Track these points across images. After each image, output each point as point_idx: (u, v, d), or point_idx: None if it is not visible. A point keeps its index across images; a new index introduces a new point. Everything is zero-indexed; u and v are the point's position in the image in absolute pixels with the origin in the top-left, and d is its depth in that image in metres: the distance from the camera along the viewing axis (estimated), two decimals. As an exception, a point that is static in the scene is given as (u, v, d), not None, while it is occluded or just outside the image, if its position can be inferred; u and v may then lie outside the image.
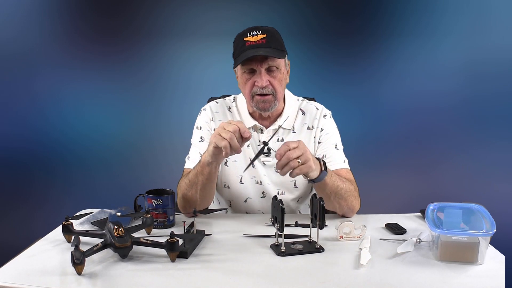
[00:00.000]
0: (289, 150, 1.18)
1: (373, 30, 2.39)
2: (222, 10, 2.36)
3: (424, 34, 2.38)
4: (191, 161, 1.51)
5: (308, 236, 1.19)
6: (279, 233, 1.12)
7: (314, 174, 1.25)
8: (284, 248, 1.11)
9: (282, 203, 1.08)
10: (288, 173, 1.20)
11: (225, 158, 1.51)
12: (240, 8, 2.38)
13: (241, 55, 1.38)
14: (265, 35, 1.39)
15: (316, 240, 1.16)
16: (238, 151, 1.21)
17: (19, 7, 2.39)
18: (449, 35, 2.37)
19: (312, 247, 1.14)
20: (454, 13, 2.35)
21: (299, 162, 1.18)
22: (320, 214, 1.12)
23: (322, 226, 1.12)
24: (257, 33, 1.39)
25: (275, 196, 1.15)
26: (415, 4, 2.36)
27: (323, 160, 1.30)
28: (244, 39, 1.40)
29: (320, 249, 1.13)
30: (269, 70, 1.41)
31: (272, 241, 1.18)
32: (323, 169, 1.28)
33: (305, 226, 1.28)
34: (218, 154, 1.25)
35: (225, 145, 1.18)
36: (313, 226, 1.17)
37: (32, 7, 2.41)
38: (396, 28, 2.38)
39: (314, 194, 1.18)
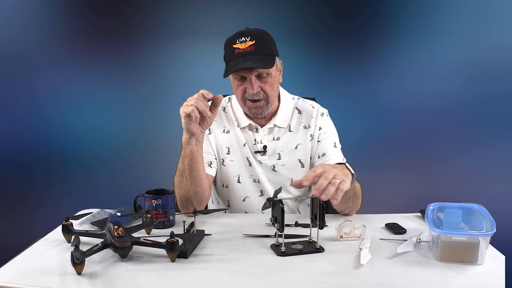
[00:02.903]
0: (319, 173, 1.09)
1: (373, 30, 2.39)
2: (222, 10, 2.36)
3: (424, 34, 2.38)
4: None
5: (308, 236, 1.20)
6: (279, 233, 1.12)
7: (349, 184, 1.15)
8: (284, 248, 1.11)
9: (282, 203, 1.08)
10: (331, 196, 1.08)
11: (222, 158, 1.53)
12: (240, 8, 2.38)
13: (231, 64, 1.39)
14: (254, 41, 1.38)
15: (316, 240, 1.16)
16: (207, 113, 1.28)
17: (19, 7, 2.39)
18: (449, 35, 2.37)
19: (312, 247, 1.14)
20: (454, 13, 2.35)
21: (337, 181, 1.09)
22: (320, 214, 1.12)
23: (322, 226, 1.12)
24: (246, 40, 1.38)
25: (275, 196, 1.15)
26: (415, 4, 2.36)
27: (346, 164, 1.24)
28: (233, 46, 1.39)
29: (320, 249, 1.13)
30: (259, 76, 1.41)
31: (272, 241, 1.18)
32: (352, 172, 1.20)
33: (305, 226, 1.28)
34: (190, 124, 1.29)
35: (192, 109, 1.24)
36: (313, 226, 1.17)
37: (32, 7, 2.41)
38: (396, 28, 2.38)
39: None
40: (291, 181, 1.52)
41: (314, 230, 1.16)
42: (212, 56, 2.34)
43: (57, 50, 2.43)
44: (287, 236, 1.20)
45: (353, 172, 1.20)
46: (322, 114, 1.56)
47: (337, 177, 1.09)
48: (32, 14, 2.41)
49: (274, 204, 1.11)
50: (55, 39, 2.43)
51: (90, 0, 2.40)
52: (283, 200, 1.10)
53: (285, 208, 1.08)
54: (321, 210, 1.11)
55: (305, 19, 2.39)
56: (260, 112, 1.46)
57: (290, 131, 1.54)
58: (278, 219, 1.10)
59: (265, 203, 1.14)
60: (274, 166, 1.52)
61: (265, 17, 2.35)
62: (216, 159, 1.54)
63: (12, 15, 2.39)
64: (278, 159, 1.52)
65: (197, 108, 1.25)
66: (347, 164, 1.23)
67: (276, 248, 1.13)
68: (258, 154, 1.52)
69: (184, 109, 1.27)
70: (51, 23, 2.42)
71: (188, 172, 1.36)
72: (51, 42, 2.43)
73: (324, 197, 1.06)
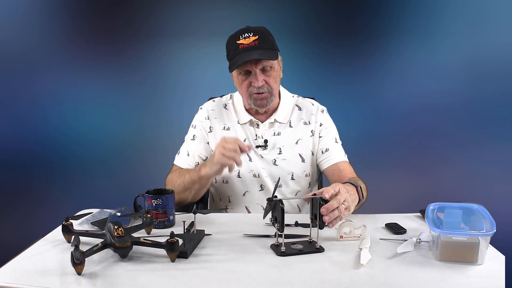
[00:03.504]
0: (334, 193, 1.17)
1: (373, 30, 2.39)
2: (222, 10, 2.36)
3: (424, 34, 2.38)
4: (180, 158, 1.59)
5: (308, 236, 1.20)
6: (279, 233, 1.12)
7: (351, 210, 1.26)
8: (284, 248, 1.11)
9: (282, 203, 1.09)
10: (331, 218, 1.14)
11: None
12: (240, 8, 2.38)
13: (236, 58, 1.43)
14: (257, 37, 1.43)
15: (316, 240, 1.16)
16: (240, 166, 1.34)
17: (19, 7, 2.39)
18: (449, 35, 2.37)
19: (312, 247, 1.14)
20: (454, 13, 2.35)
21: (343, 207, 1.17)
22: (320, 214, 1.12)
23: (322, 226, 1.13)
24: (249, 35, 1.44)
25: (274, 191, 1.15)
26: (415, 4, 2.36)
27: (360, 187, 1.31)
28: (237, 42, 1.44)
29: (320, 249, 1.13)
30: (263, 70, 1.46)
31: (272, 241, 1.18)
32: (361, 198, 1.31)
33: (305, 226, 1.28)
34: (220, 170, 1.35)
35: (231, 165, 1.31)
36: (313, 226, 1.17)
37: (32, 7, 2.41)
38: (396, 28, 2.38)
39: (314, 194, 1.18)
40: (292, 175, 1.55)
41: (314, 230, 1.17)
42: (212, 56, 2.35)
43: (57, 50, 2.43)
44: (287, 236, 1.20)
45: (361, 198, 1.30)
46: (323, 111, 1.62)
47: (345, 203, 1.16)
48: (32, 14, 2.41)
49: (275, 204, 1.11)
50: (55, 39, 2.42)
51: (90, 0, 2.40)
52: (283, 200, 1.11)
53: (285, 204, 1.09)
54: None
55: (305, 19, 2.39)
56: (264, 103, 1.49)
57: (291, 126, 1.57)
58: (278, 219, 1.10)
59: (266, 207, 1.13)
60: (275, 160, 1.54)
61: (265, 17, 2.34)
62: (205, 160, 1.59)
63: (12, 15, 2.39)
64: (279, 154, 1.54)
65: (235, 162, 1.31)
66: (360, 187, 1.30)
67: (276, 248, 1.13)
68: (259, 148, 1.55)
69: (222, 160, 1.31)
70: (51, 23, 2.42)
71: (194, 192, 1.45)
72: (51, 42, 2.43)
73: (327, 219, 1.12)
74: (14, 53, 2.42)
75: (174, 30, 2.42)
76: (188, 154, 1.58)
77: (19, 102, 2.47)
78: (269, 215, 1.15)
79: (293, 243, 1.16)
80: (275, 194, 1.15)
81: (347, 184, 1.30)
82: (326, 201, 1.13)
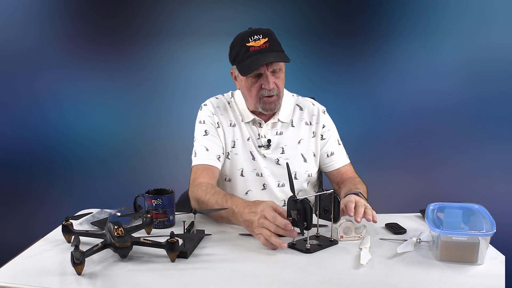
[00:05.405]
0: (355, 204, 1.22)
1: (373, 30, 2.39)
2: (222, 10, 2.37)
3: (424, 34, 2.38)
4: (199, 157, 1.50)
5: (315, 232, 1.23)
6: (304, 232, 1.14)
7: None
8: (309, 245, 1.12)
9: (308, 200, 1.10)
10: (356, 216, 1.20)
11: (227, 151, 1.55)
12: (240, 8, 2.38)
13: (248, 61, 1.40)
14: (267, 39, 1.41)
15: (321, 235, 1.20)
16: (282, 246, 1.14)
17: (19, 7, 2.39)
18: (449, 35, 2.37)
19: (327, 241, 1.17)
20: (454, 13, 2.35)
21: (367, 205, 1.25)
22: (333, 209, 1.16)
23: (336, 220, 1.18)
24: (259, 37, 1.41)
25: (293, 196, 1.13)
26: (415, 4, 2.36)
27: (360, 193, 1.34)
28: (247, 44, 1.41)
29: (334, 242, 1.17)
30: (273, 72, 1.44)
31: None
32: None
33: (321, 225, 1.27)
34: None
35: (264, 243, 1.14)
36: (321, 222, 1.21)
37: (32, 7, 2.41)
38: (396, 28, 2.38)
39: (320, 189, 1.20)
40: (295, 174, 1.54)
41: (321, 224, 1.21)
42: (212, 56, 2.36)
43: (57, 50, 2.43)
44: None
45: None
46: (324, 112, 1.62)
47: (365, 205, 1.24)
48: (32, 14, 2.41)
49: (304, 205, 1.10)
50: (55, 39, 2.43)
51: (90, 0, 2.40)
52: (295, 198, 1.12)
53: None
54: (336, 205, 1.16)
55: (305, 19, 2.39)
56: (273, 107, 1.48)
57: (293, 126, 1.57)
58: (305, 218, 1.10)
59: (289, 211, 1.12)
60: (278, 160, 1.54)
61: (265, 17, 2.35)
62: (223, 153, 1.55)
63: (12, 15, 2.39)
64: (282, 153, 1.54)
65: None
66: (360, 193, 1.33)
67: (296, 246, 1.14)
68: (262, 148, 1.54)
69: (260, 230, 1.14)
70: (51, 23, 2.42)
71: (213, 218, 1.37)
72: (51, 42, 2.43)
73: (367, 218, 1.19)
74: (14, 53, 2.42)
75: (174, 30, 2.42)
76: (207, 149, 1.50)
77: (19, 102, 2.47)
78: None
79: (304, 239, 1.16)
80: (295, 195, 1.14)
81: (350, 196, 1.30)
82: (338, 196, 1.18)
